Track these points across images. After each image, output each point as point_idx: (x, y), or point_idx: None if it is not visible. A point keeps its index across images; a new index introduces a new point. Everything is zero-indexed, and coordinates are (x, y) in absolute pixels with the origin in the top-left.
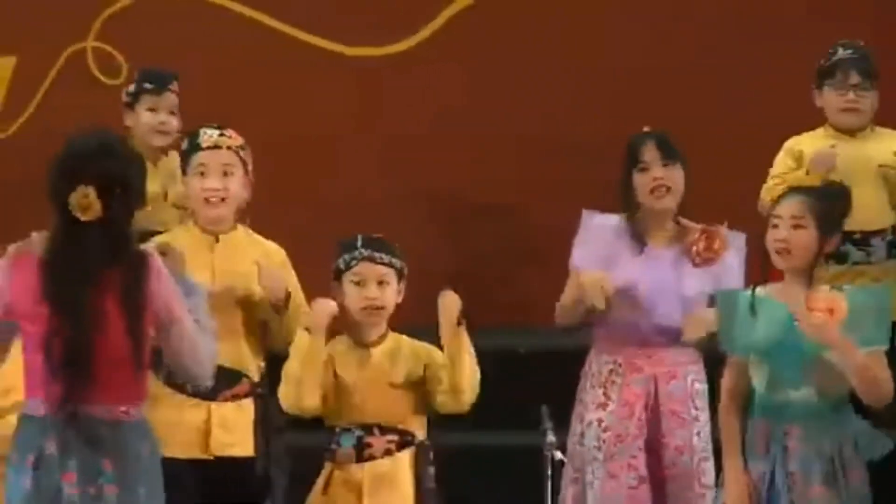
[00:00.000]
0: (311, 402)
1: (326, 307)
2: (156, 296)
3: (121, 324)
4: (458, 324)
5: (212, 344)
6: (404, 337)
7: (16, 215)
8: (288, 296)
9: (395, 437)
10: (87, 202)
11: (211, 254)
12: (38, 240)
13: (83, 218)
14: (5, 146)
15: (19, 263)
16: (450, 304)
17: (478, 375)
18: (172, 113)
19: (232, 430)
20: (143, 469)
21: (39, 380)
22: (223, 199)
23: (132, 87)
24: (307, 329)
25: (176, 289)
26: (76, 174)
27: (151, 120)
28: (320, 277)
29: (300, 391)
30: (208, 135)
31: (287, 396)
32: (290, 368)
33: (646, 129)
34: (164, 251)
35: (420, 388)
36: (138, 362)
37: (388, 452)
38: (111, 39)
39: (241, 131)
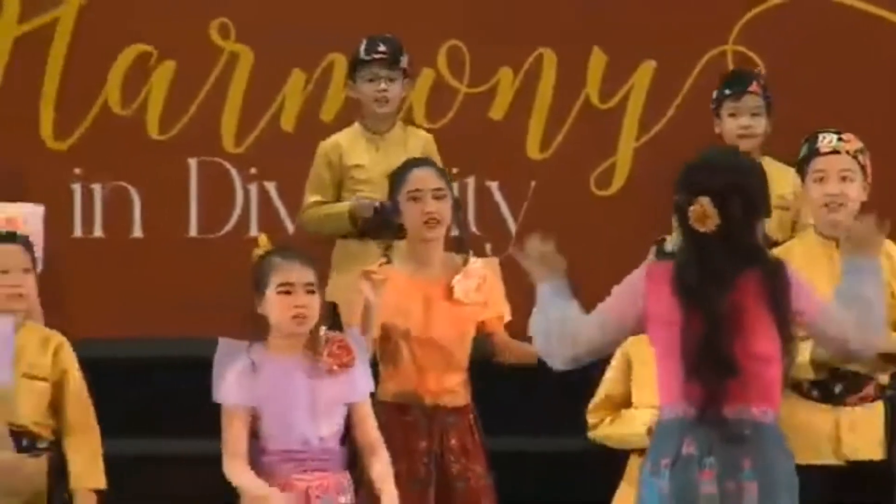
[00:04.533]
0: None
1: None
2: (796, 298)
3: (762, 325)
4: None
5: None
6: None
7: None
8: None
9: None
10: (703, 213)
11: (830, 262)
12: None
13: (700, 228)
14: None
15: (653, 274)
16: None
17: None
18: (756, 115)
19: (862, 434)
20: (781, 471)
21: (677, 385)
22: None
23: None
24: None
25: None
26: (694, 187)
27: (733, 125)
28: None
29: None
30: (827, 139)
31: None
32: None
33: None
34: None
35: None
36: (778, 363)
37: None
38: (751, 43)
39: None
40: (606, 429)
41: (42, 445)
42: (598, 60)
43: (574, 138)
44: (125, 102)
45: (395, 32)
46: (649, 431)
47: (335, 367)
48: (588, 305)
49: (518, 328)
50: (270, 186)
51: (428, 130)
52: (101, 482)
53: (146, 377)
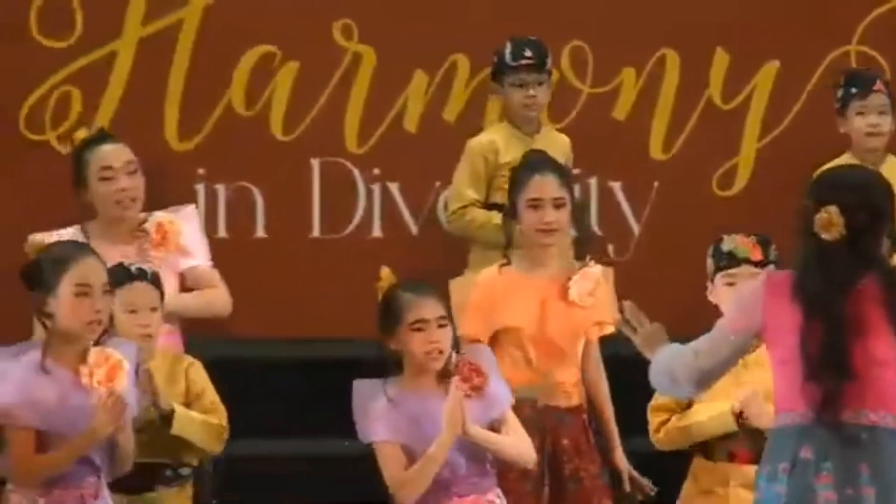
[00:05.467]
0: None
1: None
2: None
3: (880, 330)
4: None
5: None
6: None
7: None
8: None
9: None
10: (829, 221)
11: None
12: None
13: (825, 236)
14: (766, 151)
15: (772, 282)
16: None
17: None
18: (882, 113)
19: None
20: None
21: (794, 390)
22: None
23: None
24: None
25: None
26: (823, 195)
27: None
28: None
29: None
30: None
31: None
32: None
33: None
34: None
35: None
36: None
37: None
38: (875, 43)
39: None
40: (679, 422)
41: (185, 473)
42: (721, 61)
43: (697, 139)
44: (249, 103)
45: (517, 32)
46: (737, 413)
47: (469, 393)
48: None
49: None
50: (393, 187)
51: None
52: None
53: (265, 378)
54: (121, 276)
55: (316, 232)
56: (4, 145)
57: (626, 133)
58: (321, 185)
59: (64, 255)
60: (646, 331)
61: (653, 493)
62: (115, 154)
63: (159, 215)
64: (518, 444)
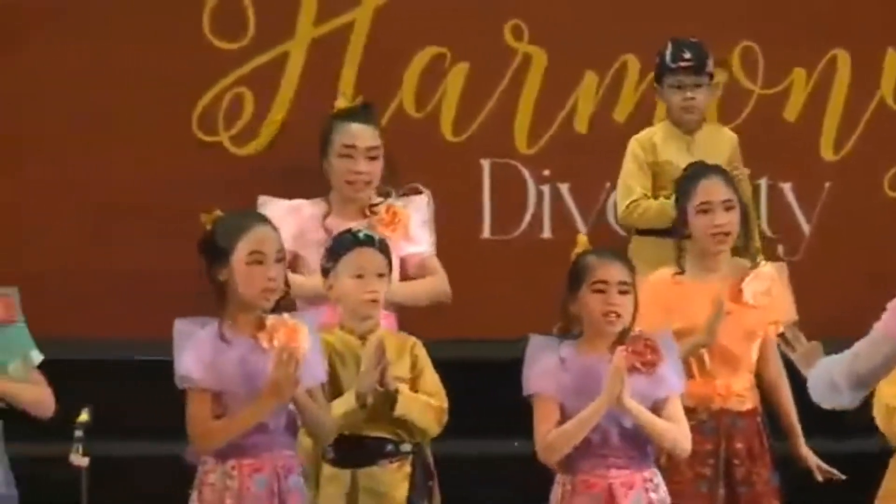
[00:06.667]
0: None
1: None
2: None
3: None
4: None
5: None
6: None
7: None
8: None
9: None
10: None
11: None
12: None
13: None
14: None
15: None
16: None
17: None
18: None
19: None
20: None
21: None
22: None
23: None
24: None
25: None
26: None
27: None
28: None
29: None
30: None
31: None
32: None
33: None
34: None
35: None
36: None
37: None
38: None
39: None
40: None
41: (405, 449)
42: (892, 61)
43: (868, 139)
44: (419, 104)
45: (687, 33)
46: None
47: (637, 365)
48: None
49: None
50: (563, 188)
51: None
52: None
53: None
54: (348, 241)
55: (486, 233)
56: (177, 146)
57: (796, 134)
58: (491, 186)
59: (237, 224)
60: (804, 348)
61: (842, 480)
62: (361, 134)
63: (391, 201)
64: (674, 430)
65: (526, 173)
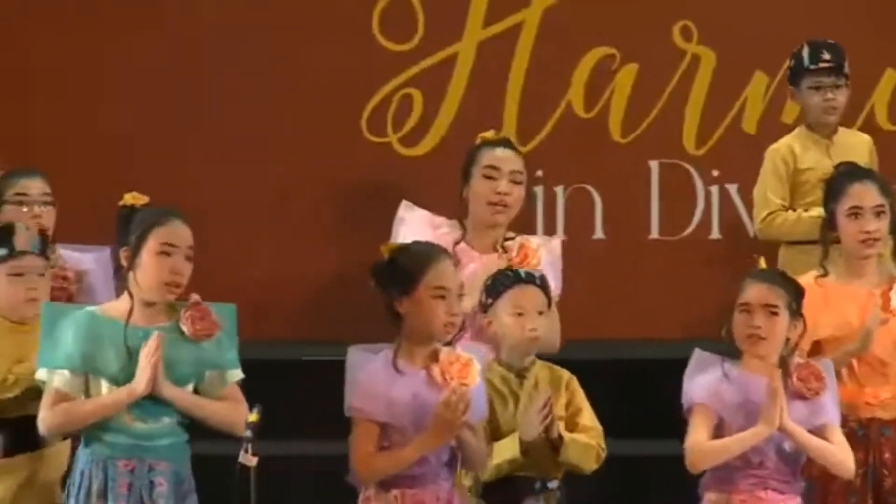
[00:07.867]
0: None
1: None
2: None
3: None
4: None
5: None
6: None
7: None
8: None
9: None
10: None
11: None
12: None
13: None
14: None
15: None
16: None
17: None
18: None
19: None
20: None
21: None
22: None
23: None
24: None
25: None
26: None
27: None
28: None
29: None
30: None
31: None
32: None
33: None
34: None
35: None
36: None
37: None
38: None
39: None
40: None
41: (552, 486)
42: None
43: None
44: (588, 105)
45: (856, 33)
46: None
47: (804, 391)
48: None
49: None
50: (732, 189)
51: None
52: None
53: (604, 379)
54: (509, 279)
55: (654, 233)
56: (347, 147)
57: None
58: (660, 186)
59: (423, 257)
60: None
61: None
62: (505, 157)
63: (527, 237)
64: (838, 450)
65: (695, 174)
